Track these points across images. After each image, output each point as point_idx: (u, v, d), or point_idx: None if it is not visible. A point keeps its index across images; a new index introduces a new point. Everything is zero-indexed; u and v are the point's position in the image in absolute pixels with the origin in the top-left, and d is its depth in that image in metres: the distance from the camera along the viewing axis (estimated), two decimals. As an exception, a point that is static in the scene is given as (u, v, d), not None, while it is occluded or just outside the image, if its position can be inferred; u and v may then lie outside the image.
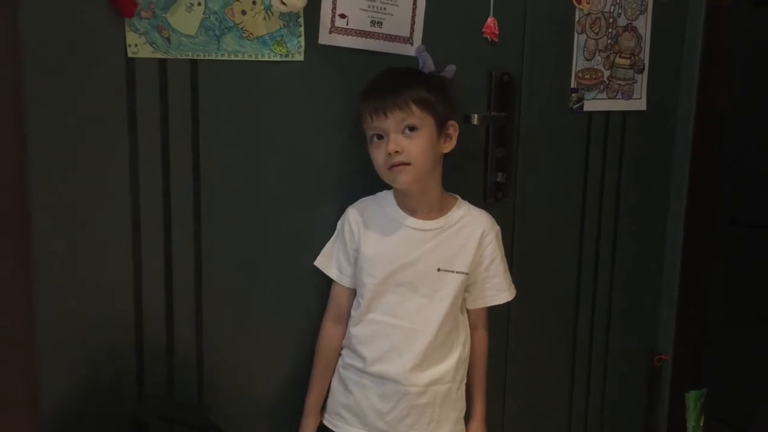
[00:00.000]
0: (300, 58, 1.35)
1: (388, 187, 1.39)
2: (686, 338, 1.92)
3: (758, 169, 1.79)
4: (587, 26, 1.64)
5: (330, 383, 1.43)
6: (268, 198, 1.39)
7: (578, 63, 1.64)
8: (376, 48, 1.41)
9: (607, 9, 1.66)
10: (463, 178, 1.51)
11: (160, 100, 1.28)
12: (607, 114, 1.73)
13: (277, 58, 1.34)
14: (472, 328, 1.45)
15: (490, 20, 1.52)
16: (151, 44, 1.25)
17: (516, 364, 1.71)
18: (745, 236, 1.83)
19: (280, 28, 1.33)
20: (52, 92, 1.20)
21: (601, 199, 1.77)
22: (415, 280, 1.35)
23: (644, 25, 1.72)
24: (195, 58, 1.29)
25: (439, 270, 1.36)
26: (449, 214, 1.39)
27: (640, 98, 1.76)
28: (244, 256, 1.39)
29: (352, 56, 1.40)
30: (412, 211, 1.37)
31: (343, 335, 1.42)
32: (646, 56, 1.74)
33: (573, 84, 1.65)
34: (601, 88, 1.69)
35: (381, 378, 1.35)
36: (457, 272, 1.37)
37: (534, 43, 1.59)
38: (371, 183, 1.39)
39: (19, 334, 1.26)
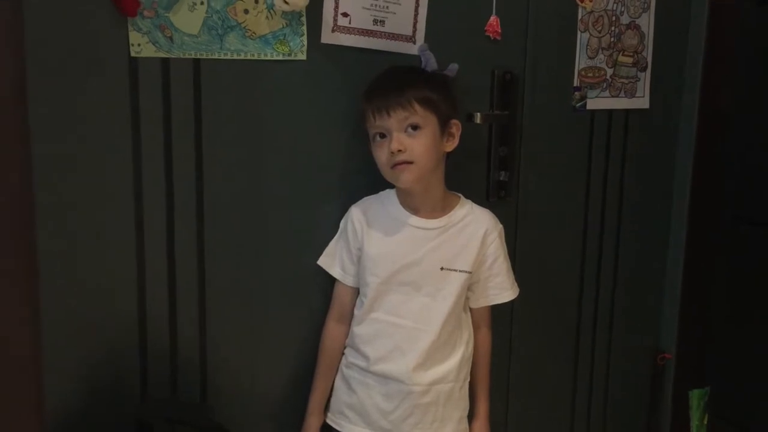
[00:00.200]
0: (302, 57, 1.35)
1: (391, 185, 1.38)
2: (689, 336, 1.91)
3: (761, 167, 1.79)
4: (590, 24, 1.63)
5: (333, 382, 1.43)
6: (270, 197, 1.39)
7: (581, 61, 1.64)
8: (379, 47, 1.41)
9: (609, 7, 1.65)
10: (465, 176, 1.51)
11: (163, 99, 1.28)
12: (610, 112, 1.73)
13: (280, 57, 1.34)
14: (475, 327, 1.45)
15: (493, 19, 1.51)
16: (153, 43, 1.25)
17: (519, 363, 1.71)
18: (748, 234, 1.83)
19: (283, 27, 1.33)
20: (54, 91, 1.21)
21: (604, 197, 1.77)
22: (418, 279, 1.35)
23: (647, 23, 1.71)
24: (198, 57, 1.29)
25: (442, 269, 1.36)
26: (452, 212, 1.39)
27: (643, 96, 1.75)
28: (247, 256, 1.39)
29: (354, 55, 1.39)
30: (415, 210, 1.37)
31: (347, 334, 1.42)
32: (649, 54, 1.74)
33: (576, 82, 1.65)
34: (604, 87, 1.69)
35: (384, 377, 1.35)
36: (460, 271, 1.37)
37: (537, 41, 1.59)
38: (374, 182, 1.38)
39: (23, 335, 1.26)
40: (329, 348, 1.42)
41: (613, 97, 1.71)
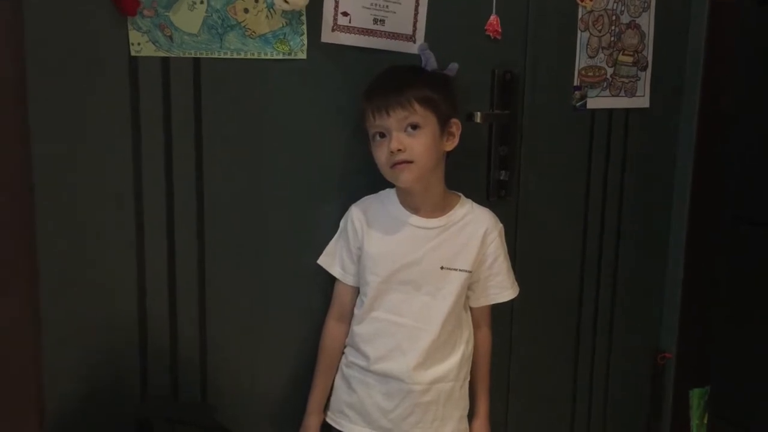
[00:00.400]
0: (302, 56, 1.35)
1: (391, 185, 1.38)
2: (689, 336, 1.91)
3: (762, 167, 1.79)
4: (590, 24, 1.63)
5: (333, 382, 1.43)
6: (271, 196, 1.39)
7: (581, 60, 1.64)
8: (379, 46, 1.41)
9: (610, 6, 1.65)
10: (466, 176, 1.51)
11: (163, 98, 1.28)
12: (610, 112, 1.73)
13: (280, 57, 1.34)
14: (475, 326, 1.45)
15: (493, 18, 1.51)
16: (153, 43, 1.25)
17: (519, 362, 1.71)
18: (748, 234, 1.83)
19: (283, 26, 1.33)
20: (54, 91, 1.21)
21: (604, 196, 1.77)
22: (418, 279, 1.35)
23: (647, 22, 1.71)
24: (197, 56, 1.29)
25: (442, 268, 1.36)
26: (452, 212, 1.38)
27: (643, 96, 1.75)
28: (247, 255, 1.39)
29: (354, 54, 1.39)
30: (415, 210, 1.37)
31: (347, 334, 1.41)
32: (649, 54, 1.74)
33: (576, 82, 1.65)
34: (604, 86, 1.69)
35: (385, 376, 1.35)
36: (460, 270, 1.37)
37: (537, 40, 1.59)
38: (374, 181, 1.38)
39: (23, 335, 1.26)
40: (329, 347, 1.42)
41: (613, 96, 1.70)
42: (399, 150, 1.27)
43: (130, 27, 1.23)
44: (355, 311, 1.41)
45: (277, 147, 1.38)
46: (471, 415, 1.46)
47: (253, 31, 1.31)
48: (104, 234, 1.27)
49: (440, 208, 1.38)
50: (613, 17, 1.66)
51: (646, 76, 1.74)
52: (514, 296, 1.45)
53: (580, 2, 1.61)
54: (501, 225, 1.43)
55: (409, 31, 1.44)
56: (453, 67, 1.43)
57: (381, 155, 1.31)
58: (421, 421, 1.36)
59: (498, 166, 1.58)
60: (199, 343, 1.38)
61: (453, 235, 1.37)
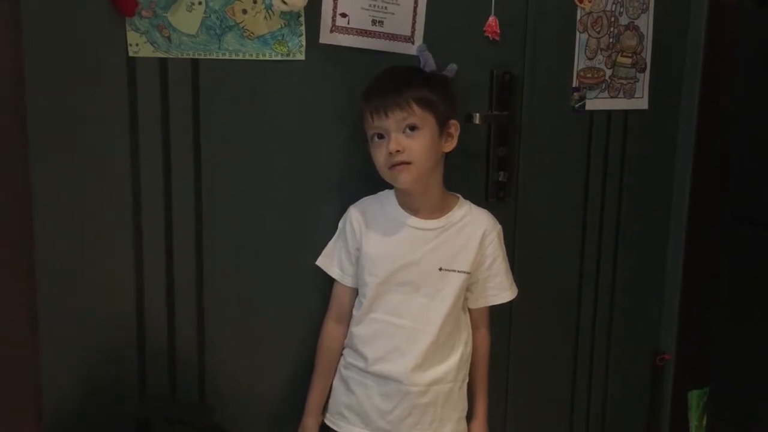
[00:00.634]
0: (301, 57, 1.35)
1: (389, 186, 1.38)
2: (689, 337, 1.91)
3: (762, 168, 1.79)
4: (589, 25, 1.63)
5: (332, 383, 1.43)
6: (269, 197, 1.39)
7: (580, 62, 1.64)
8: (378, 47, 1.41)
9: (608, 8, 1.65)
10: (464, 177, 1.51)
11: (161, 99, 1.28)
12: (609, 113, 1.73)
13: (278, 58, 1.34)
14: (474, 327, 1.45)
15: (492, 19, 1.51)
16: (151, 43, 1.25)
17: (518, 364, 1.71)
18: (748, 235, 1.83)
19: (281, 27, 1.33)
20: (52, 92, 1.20)
21: (603, 198, 1.77)
22: (416, 280, 1.35)
23: (646, 23, 1.71)
24: (196, 57, 1.29)
25: (440, 269, 1.36)
26: (451, 213, 1.38)
27: (642, 97, 1.75)
28: (246, 256, 1.39)
29: (353, 55, 1.39)
30: (413, 211, 1.37)
31: (345, 335, 1.41)
32: (648, 55, 1.74)
33: (575, 83, 1.65)
34: (603, 87, 1.69)
35: (383, 378, 1.35)
36: (458, 272, 1.36)
37: (536, 42, 1.59)
38: (372, 182, 1.38)
39: (21, 335, 1.26)
40: (328, 348, 1.42)
41: (612, 97, 1.70)
42: (397, 151, 1.27)
43: (128, 28, 1.23)
44: (354, 312, 1.40)
45: (275, 148, 1.38)
46: (469, 417, 1.46)
47: (252, 32, 1.31)
48: (103, 234, 1.27)
49: (439, 210, 1.38)
50: (612, 19, 1.66)
51: (645, 78, 1.74)
52: (512, 297, 1.45)
53: (578, 4, 1.61)
54: (500, 226, 1.43)
55: (407, 32, 1.44)
56: (452, 68, 1.43)
57: (379, 156, 1.31)
58: (419, 422, 1.36)
59: (497, 167, 1.58)
60: (197, 343, 1.38)
61: (452, 236, 1.37)
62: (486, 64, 1.54)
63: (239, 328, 1.40)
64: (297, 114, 1.38)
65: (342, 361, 1.42)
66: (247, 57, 1.32)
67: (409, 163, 1.28)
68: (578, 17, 1.62)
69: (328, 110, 1.40)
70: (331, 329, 1.42)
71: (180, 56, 1.27)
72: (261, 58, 1.33)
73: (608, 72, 1.69)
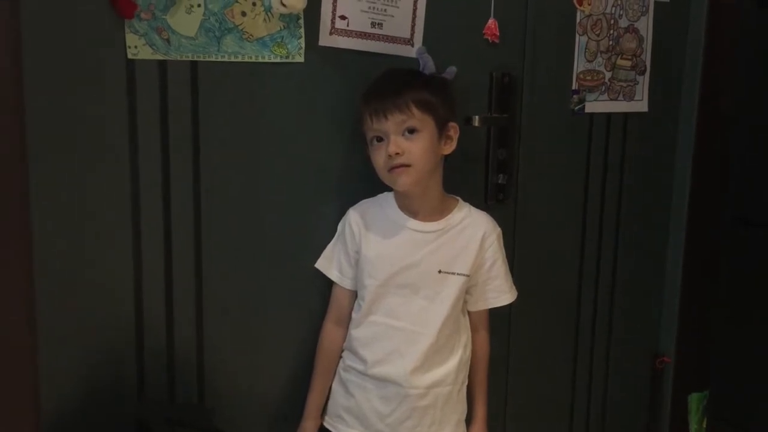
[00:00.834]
0: (300, 59, 1.35)
1: (389, 189, 1.38)
2: (689, 339, 1.91)
3: (761, 169, 1.79)
4: (588, 28, 1.63)
5: (331, 385, 1.43)
6: (268, 200, 1.39)
7: (579, 64, 1.64)
8: (377, 49, 1.41)
9: (608, 10, 1.65)
10: (464, 179, 1.50)
11: (160, 101, 1.28)
12: (609, 115, 1.73)
13: (278, 60, 1.34)
14: (474, 330, 1.45)
15: (491, 21, 1.51)
16: (150, 46, 1.25)
17: (517, 366, 1.71)
18: (748, 236, 1.83)
19: (281, 30, 1.33)
20: (51, 94, 1.20)
21: (603, 200, 1.77)
22: (416, 282, 1.35)
23: (645, 26, 1.71)
24: (195, 59, 1.29)
25: (440, 272, 1.36)
26: (450, 215, 1.38)
27: (642, 100, 1.75)
28: (245, 258, 1.39)
29: (352, 58, 1.39)
30: (413, 213, 1.37)
31: (344, 337, 1.41)
32: (647, 57, 1.73)
33: (574, 85, 1.64)
34: (603, 90, 1.69)
35: (382, 380, 1.35)
36: (458, 274, 1.36)
37: (535, 44, 1.59)
38: (372, 185, 1.38)
39: (20, 336, 1.26)
40: (327, 351, 1.42)
41: (611, 100, 1.70)
42: (397, 154, 1.27)
43: (127, 30, 1.23)
44: (353, 315, 1.40)
45: (274, 150, 1.37)
46: (469, 420, 1.46)
47: (251, 35, 1.31)
48: (102, 235, 1.27)
49: (438, 212, 1.38)
50: (612, 21, 1.66)
51: (645, 81, 1.74)
52: (512, 300, 1.45)
53: (578, 6, 1.61)
54: (499, 229, 1.43)
55: (407, 34, 1.43)
56: (451, 71, 1.43)
57: (379, 159, 1.30)
58: (418, 425, 1.36)
59: (496, 169, 1.58)
60: (197, 344, 1.38)
61: (451, 238, 1.37)
62: (485, 67, 1.54)
63: (238, 329, 1.40)
64: (296, 116, 1.38)
65: (341, 364, 1.42)
66: (246, 59, 1.32)
67: (408, 166, 1.28)
68: (578, 20, 1.62)
69: (327, 112, 1.40)
70: (330, 332, 1.42)
71: (179, 58, 1.27)
72: (260, 60, 1.33)
73: (608, 74, 1.68)
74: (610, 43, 1.67)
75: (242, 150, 1.35)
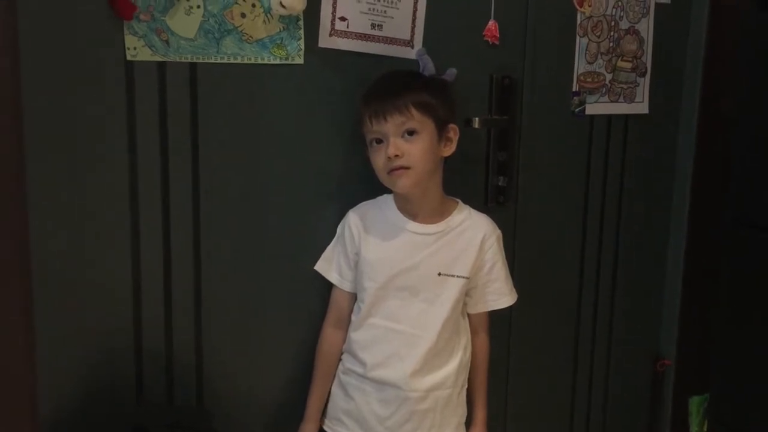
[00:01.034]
0: (300, 61, 1.35)
1: (388, 191, 1.38)
2: (689, 341, 1.91)
3: (763, 170, 1.78)
4: (589, 29, 1.63)
5: (330, 388, 1.42)
6: (267, 201, 1.38)
7: (580, 66, 1.63)
8: (377, 51, 1.40)
9: (608, 12, 1.65)
10: (464, 181, 1.50)
11: (159, 103, 1.28)
12: (609, 117, 1.72)
13: (277, 61, 1.34)
14: (473, 332, 1.44)
15: (491, 23, 1.51)
16: (150, 47, 1.25)
17: (517, 369, 1.70)
18: (749, 238, 1.82)
19: (280, 31, 1.32)
20: (50, 94, 1.20)
21: (603, 202, 1.76)
22: (415, 285, 1.35)
23: (646, 28, 1.71)
24: (194, 61, 1.28)
25: (440, 274, 1.35)
26: (450, 218, 1.38)
27: (642, 102, 1.75)
28: (244, 260, 1.38)
29: (352, 59, 1.39)
30: (412, 215, 1.36)
31: (344, 340, 1.41)
32: (648, 59, 1.73)
33: (575, 87, 1.64)
34: (603, 92, 1.68)
35: (382, 383, 1.35)
36: (458, 276, 1.36)
37: (535, 46, 1.58)
38: (371, 187, 1.38)
39: (18, 338, 1.26)
40: (326, 353, 1.41)
41: (612, 102, 1.70)
42: (396, 156, 1.27)
43: (126, 31, 1.23)
44: (353, 317, 1.40)
45: (273, 152, 1.37)
46: (468, 423, 1.46)
47: (250, 36, 1.31)
48: (100, 237, 1.27)
49: (438, 214, 1.37)
50: (612, 23, 1.65)
51: (645, 82, 1.74)
52: (512, 303, 1.45)
53: (578, 8, 1.61)
54: (499, 231, 1.42)
55: (407, 36, 1.43)
56: (451, 72, 1.42)
57: (378, 161, 1.30)
58: (418, 428, 1.36)
59: (496, 171, 1.58)
60: (195, 346, 1.37)
61: (451, 241, 1.37)
62: (485, 68, 1.54)
63: (237, 331, 1.40)
64: (295, 118, 1.38)
65: (340, 367, 1.41)
66: (246, 61, 1.31)
67: (408, 168, 1.28)
68: (578, 21, 1.61)
69: (327, 114, 1.40)
70: (329, 334, 1.41)
71: (178, 60, 1.27)
72: (259, 61, 1.32)
73: (608, 76, 1.68)
74: (611, 44, 1.67)
75: (241, 151, 1.35)
